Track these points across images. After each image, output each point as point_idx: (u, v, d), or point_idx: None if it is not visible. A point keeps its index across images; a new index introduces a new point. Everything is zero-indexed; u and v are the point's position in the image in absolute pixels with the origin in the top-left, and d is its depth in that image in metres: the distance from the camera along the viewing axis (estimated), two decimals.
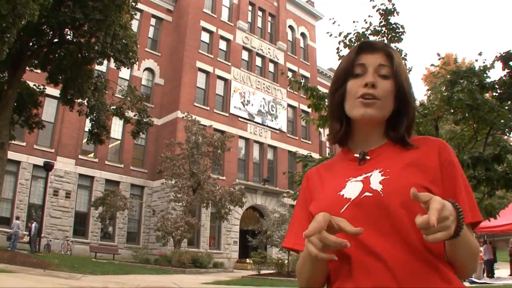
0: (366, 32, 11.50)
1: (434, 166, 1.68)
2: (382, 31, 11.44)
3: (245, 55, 46.48)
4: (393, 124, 1.81)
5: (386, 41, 11.43)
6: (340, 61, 1.96)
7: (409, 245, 1.54)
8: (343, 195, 1.69)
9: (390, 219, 1.57)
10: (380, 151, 1.80)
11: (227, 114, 42.59)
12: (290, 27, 51.70)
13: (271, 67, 48.24)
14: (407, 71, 1.83)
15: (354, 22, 11.91)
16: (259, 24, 48.80)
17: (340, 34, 11.81)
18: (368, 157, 1.80)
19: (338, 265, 1.64)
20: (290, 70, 48.89)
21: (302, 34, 53.06)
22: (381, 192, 1.61)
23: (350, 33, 11.65)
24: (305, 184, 1.95)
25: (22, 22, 15.62)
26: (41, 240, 28.54)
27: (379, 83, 1.75)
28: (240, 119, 43.53)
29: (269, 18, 49.59)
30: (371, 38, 11.44)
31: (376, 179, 1.66)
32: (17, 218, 28.56)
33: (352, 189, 1.69)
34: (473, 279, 23.04)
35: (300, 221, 1.87)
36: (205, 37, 43.38)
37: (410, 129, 1.80)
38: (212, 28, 43.78)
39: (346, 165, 1.84)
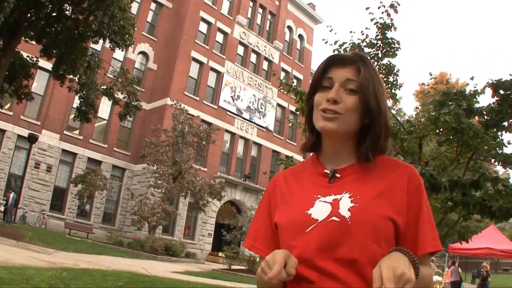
0: (361, 44, 11.54)
1: (402, 196, 1.70)
2: (378, 45, 11.47)
3: (240, 50, 46.45)
4: (360, 141, 1.81)
5: (380, 55, 11.52)
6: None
7: (363, 277, 1.59)
8: (310, 214, 1.70)
9: (351, 248, 1.61)
10: (351, 170, 1.80)
11: (216, 107, 42.56)
12: (289, 27, 51.67)
13: (265, 65, 48.24)
14: (382, 85, 1.83)
15: (351, 32, 11.94)
16: (258, 21, 48.76)
17: (335, 42, 11.84)
18: (338, 175, 1.79)
19: (296, 285, 1.68)
20: (283, 70, 49.01)
21: (300, 36, 53.05)
22: (348, 220, 1.63)
23: (346, 43, 11.69)
24: (271, 189, 1.95)
25: None
26: (17, 211, 28.48)
27: (344, 98, 1.75)
28: (228, 113, 43.50)
29: (269, 16, 49.54)
30: (366, 50, 11.46)
31: (345, 204, 1.67)
32: None
33: (320, 210, 1.70)
34: None
35: (261, 225, 1.91)
36: (203, 27, 43.31)
37: (377, 146, 1.78)
38: (211, 19, 43.70)
39: (315, 179, 1.84)
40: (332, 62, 1.84)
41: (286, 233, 1.75)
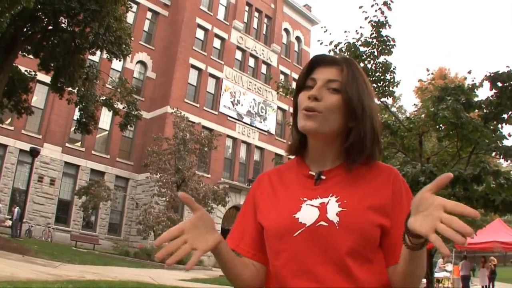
0: (357, 43, 11.55)
1: (387, 198, 1.70)
2: (373, 43, 11.49)
3: (238, 55, 46.49)
4: (346, 143, 1.78)
5: (376, 53, 11.53)
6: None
7: (351, 281, 1.60)
8: (298, 218, 1.69)
9: (339, 253, 1.61)
10: (336, 172, 1.79)
11: (216, 113, 42.58)
12: (286, 30, 51.69)
13: (263, 68, 48.25)
14: (369, 87, 1.79)
15: (345, 32, 11.96)
16: (255, 25, 48.80)
17: (330, 43, 11.85)
18: (323, 177, 1.78)
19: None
20: (282, 73, 49.01)
21: (297, 38, 53.07)
22: (336, 225, 1.63)
23: (341, 43, 11.70)
24: (256, 188, 1.94)
25: (18, 8, 15.59)
26: (23, 225, 28.48)
27: (325, 97, 1.73)
28: (229, 118, 43.52)
29: (265, 20, 49.58)
30: (362, 49, 11.49)
31: (333, 209, 1.67)
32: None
33: (307, 215, 1.69)
34: None
35: (247, 225, 1.90)
36: (200, 34, 43.35)
37: (362, 148, 1.75)
38: (208, 25, 43.76)
39: (300, 181, 1.83)
40: (316, 63, 1.83)
41: (273, 236, 1.74)
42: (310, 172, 1.82)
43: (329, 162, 1.82)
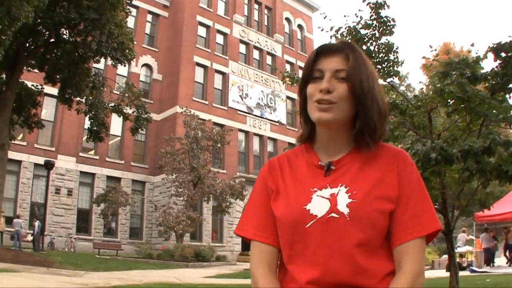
0: (357, 26, 11.53)
1: (394, 183, 1.75)
2: (373, 25, 11.46)
3: (242, 48, 46.45)
4: (354, 128, 1.81)
5: (377, 34, 11.51)
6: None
7: (360, 271, 1.66)
8: (309, 210, 1.72)
9: (350, 243, 1.66)
10: (345, 161, 1.82)
11: (226, 108, 42.63)
12: (287, 19, 51.57)
13: (269, 59, 48.18)
14: (373, 70, 1.82)
15: (345, 16, 11.94)
16: (256, 17, 48.72)
17: (331, 28, 11.84)
18: (333, 167, 1.81)
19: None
20: (288, 62, 48.92)
21: (299, 26, 52.94)
22: (347, 216, 1.68)
23: (342, 28, 11.68)
24: (267, 175, 1.97)
25: (18, 24, 15.66)
26: (45, 238, 28.66)
27: (336, 87, 1.76)
28: (239, 112, 43.55)
29: (266, 11, 49.50)
30: (363, 32, 11.45)
31: (343, 200, 1.71)
32: (18, 217, 28.54)
33: (318, 206, 1.72)
34: (474, 268, 23.10)
35: (260, 211, 1.91)
36: (202, 31, 43.36)
37: (370, 131, 1.79)
38: (209, 22, 43.75)
39: (310, 171, 1.86)
40: (321, 53, 1.85)
41: (286, 227, 1.78)
42: (320, 163, 1.85)
43: (338, 149, 1.86)
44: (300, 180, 1.85)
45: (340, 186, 1.75)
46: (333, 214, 1.69)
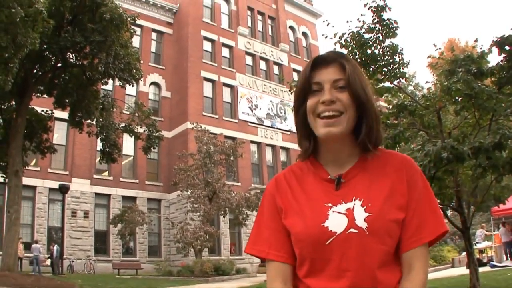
0: (360, 31, 11.54)
1: (404, 191, 1.78)
2: (377, 28, 11.48)
3: (248, 60, 46.47)
4: (357, 135, 1.83)
5: (381, 38, 11.52)
6: (299, 77, 1.98)
7: (378, 281, 1.69)
8: (327, 227, 1.73)
9: (371, 256, 1.70)
10: (354, 172, 1.83)
11: (236, 121, 42.62)
12: (291, 27, 51.54)
13: (275, 69, 48.18)
14: (365, 77, 1.84)
15: (347, 22, 11.95)
16: (260, 27, 48.74)
17: (335, 35, 11.85)
18: (343, 180, 1.82)
19: None
20: (295, 70, 48.84)
21: (304, 34, 52.89)
22: (366, 231, 1.70)
23: (345, 33, 11.70)
24: (274, 191, 1.93)
25: (24, 51, 15.77)
26: (64, 262, 28.72)
27: (338, 97, 1.77)
28: (249, 124, 43.49)
29: (269, 21, 49.50)
30: (366, 36, 11.47)
31: (360, 215, 1.72)
32: (36, 242, 28.63)
33: (336, 222, 1.73)
34: (494, 263, 22.94)
35: (271, 228, 1.89)
36: (207, 46, 43.45)
37: (371, 136, 1.81)
38: (213, 36, 43.85)
39: (320, 186, 1.85)
40: (315, 65, 1.86)
41: (304, 244, 1.78)
42: (329, 177, 1.85)
43: (345, 160, 1.87)
44: (312, 196, 1.84)
45: (355, 200, 1.77)
46: (352, 230, 1.71)
